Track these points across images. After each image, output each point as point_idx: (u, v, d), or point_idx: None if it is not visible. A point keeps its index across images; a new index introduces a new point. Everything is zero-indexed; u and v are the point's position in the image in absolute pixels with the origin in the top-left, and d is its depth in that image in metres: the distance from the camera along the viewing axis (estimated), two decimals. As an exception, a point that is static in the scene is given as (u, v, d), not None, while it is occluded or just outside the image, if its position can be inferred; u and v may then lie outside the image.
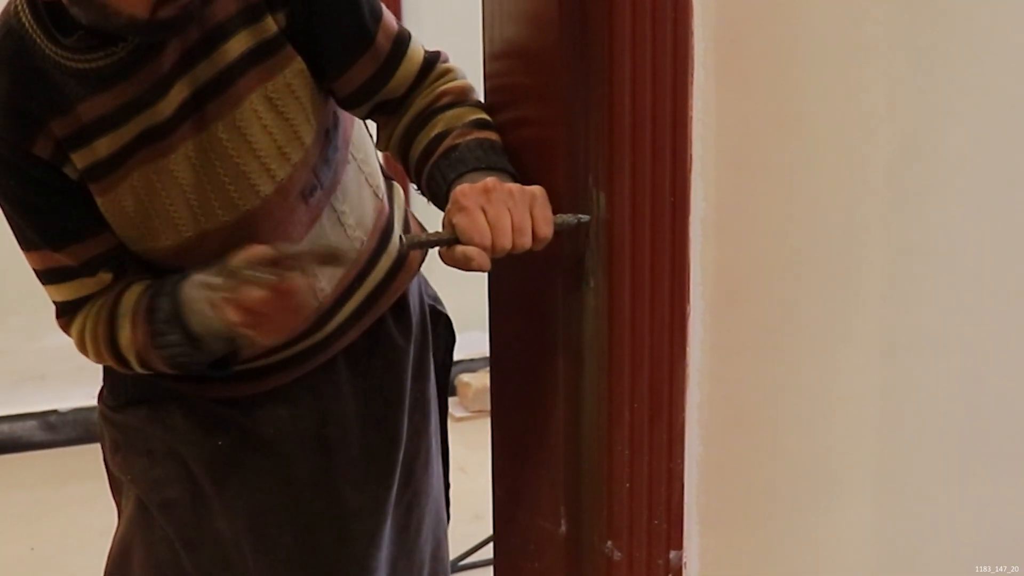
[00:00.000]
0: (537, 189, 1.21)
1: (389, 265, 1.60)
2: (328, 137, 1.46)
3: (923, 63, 1.22)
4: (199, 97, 1.37)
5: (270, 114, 1.39)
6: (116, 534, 1.66)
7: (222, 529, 1.58)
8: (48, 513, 3.37)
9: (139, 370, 1.46)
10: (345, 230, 1.52)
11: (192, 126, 1.38)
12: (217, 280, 1.32)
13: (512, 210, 1.19)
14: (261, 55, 1.38)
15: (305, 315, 1.43)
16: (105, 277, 1.45)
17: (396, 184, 1.69)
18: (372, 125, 1.61)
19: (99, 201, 1.41)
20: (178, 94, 1.37)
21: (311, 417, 1.60)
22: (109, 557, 1.65)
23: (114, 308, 1.44)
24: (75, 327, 1.49)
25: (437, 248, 1.22)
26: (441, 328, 1.78)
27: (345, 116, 1.52)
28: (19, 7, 1.37)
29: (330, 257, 1.42)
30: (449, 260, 1.20)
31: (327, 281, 1.52)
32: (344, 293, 1.55)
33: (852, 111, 1.22)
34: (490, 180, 1.21)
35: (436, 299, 1.79)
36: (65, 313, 1.49)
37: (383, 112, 1.47)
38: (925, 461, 1.33)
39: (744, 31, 1.19)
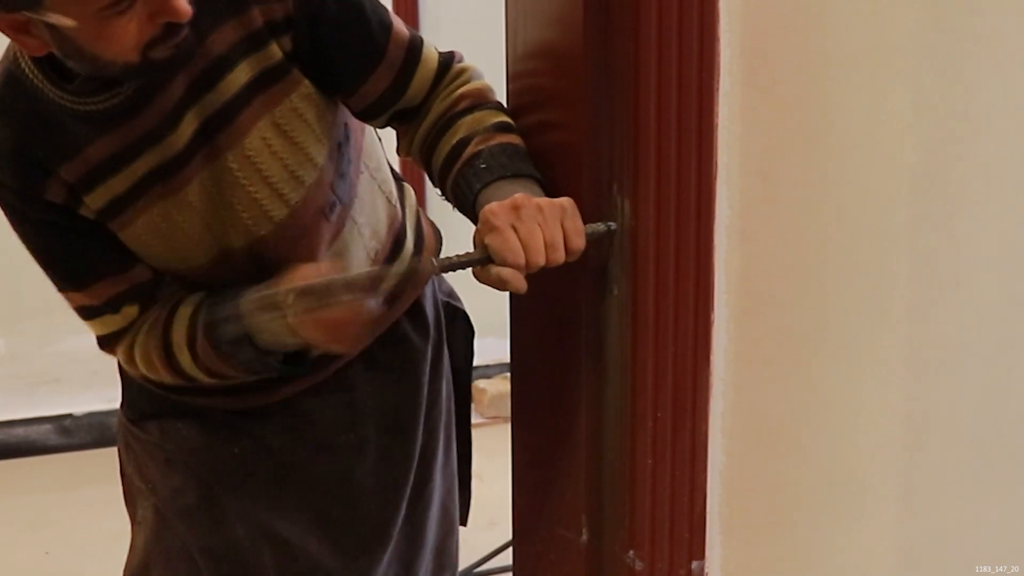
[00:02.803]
0: (566, 201, 1.20)
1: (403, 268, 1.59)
2: (341, 151, 1.45)
3: (950, 71, 1.21)
4: (208, 127, 1.36)
5: (279, 140, 1.38)
6: (134, 544, 1.65)
7: (241, 537, 1.58)
8: (63, 517, 3.37)
9: (208, 381, 1.47)
10: (363, 240, 1.52)
11: (204, 157, 1.37)
12: (291, 303, 1.31)
13: (543, 226, 1.18)
14: (265, 83, 1.36)
15: (371, 325, 1.43)
16: (131, 311, 1.45)
17: (408, 186, 1.68)
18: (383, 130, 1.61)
19: (121, 236, 1.41)
20: (188, 125, 1.36)
21: (327, 424, 1.60)
22: (127, 567, 1.65)
23: (166, 336, 1.44)
24: (120, 354, 1.50)
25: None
26: (459, 324, 1.77)
27: (355, 127, 1.51)
28: (18, 53, 1.34)
29: (411, 279, 1.41)
30: (484, 280, 1.20)
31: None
32: None
33: (878, 119, 1.21)
34: (519, 196, 1.20)
35: (451, 295, 1.77)
36: (105, 344, 1.50)
37: (402, 120, 1.46)
38: (950, 471, 1.31)
39: (770, 39, 1.18)
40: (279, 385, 1.56)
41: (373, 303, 1.28)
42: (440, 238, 1.71)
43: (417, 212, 1.67)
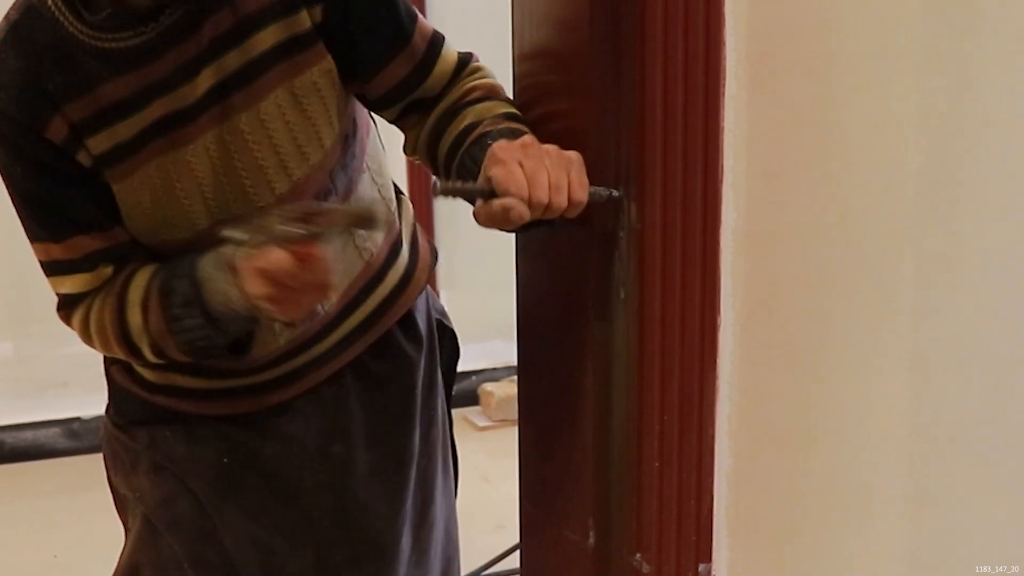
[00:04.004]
0: (574, 154, 1.20)
1: (397, 280, 1.58)
2: (347, 143, 1.45)
3: (955, 72, 1.21)
4: (225, 86, 1.36)
5: (294, 111, 1.38)
6: (123, 552, 1.63)
7: (229, 548, 1.56)
8: (71, 520, 3.37)
9: (151, 358, 1.43)
10: (355, 240, 1.50)
11: (215, 115, 1.37)
12: (242, 235, 1.28)
13: (549, 169, 1.17)
14: (291, 49, 1.36)
15: (326, 294, 1.38)
16: (105, 271, 1.42)
17: (407, 200, 1.67)
18: (385, 139, 1.61)
19: (116, 188, 1.39)
20: (205, 80, 1.35)
21: (317, 434, 1.57)
22: (114, 573, 1.63)
23: (122, 295, 1.41)
24: (76, 318, 1.45)
25: (473, 200, 1.19)
26: (447, 342, 1.76)
27: (362, 125, 1.51)
28: None
29: (365, 218, 1.33)
30: (485, 215, 1.18)
31: (336, 284, 1.47)
32: (349, 305, 1.53)
33: (883, 121, 1.21)
34: (527, 137, 1.19)
35: (443, 313, 1.77)
36: (65, 306, 1.46)
37: (416, 111, 1.45)
38: (958, 473, 1.31)
39: (776, 42, 1.18)
40: (268, 391, 1.54)
41: (326, 250, 1.25)
42: (436, 256, 1.70)
43: (414, 227, 1.66)
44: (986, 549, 1.34)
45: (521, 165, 1.17)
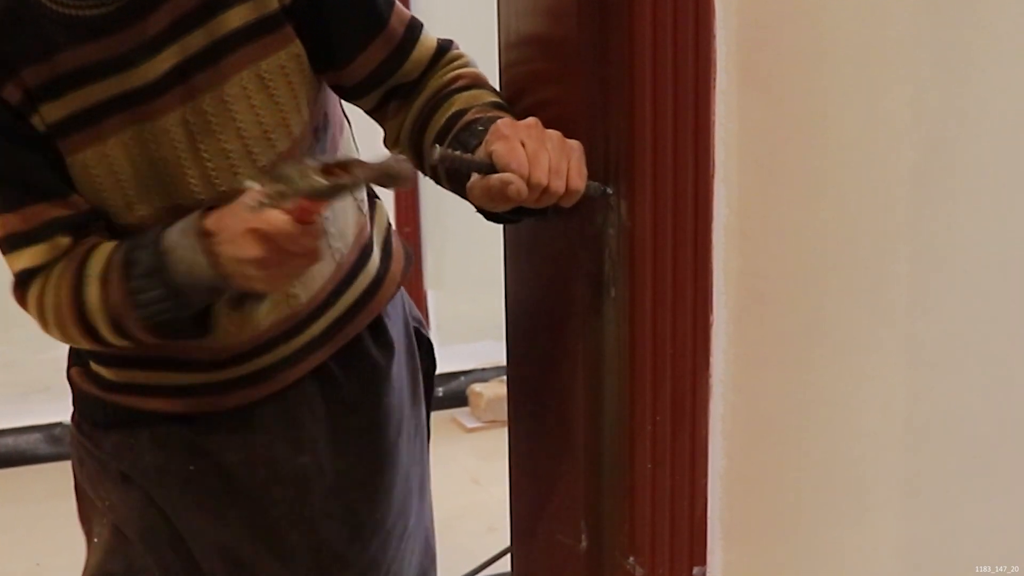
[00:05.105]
0: (575, 143, 1.20)
1: (367, 284, 1.56)
2: (317, 137, 1.44)
3: (949, 65, 1.19)
4: (189, 65, 1.34)
5: (260, 95, 1.36)
6: (90, 562, 1.60)
7: (198, 558, 1.54)
8: (54, 527, 3.33)
9: (109, 338, 1.38)
10: (327, 239, 1.47)
11: (179, 95, 1.35)
12: (269, 187, 1.20)
13: (551, 152, 1.16)
14: (259, 31, 1.35)
15: (315, 260, 1.31)
16: (63, 241, 1.37)
17: (380, 204, 1.65)
18: (360, 141, 1.59)
19: (70, 161, 1.36)
20: (164, 61, 1.33)
21: (283, 443, 1.54)
22: None
23: (80, 269, 1.36)
24: (32, 296, 1.39)
25: (468, 175, 1.18)
26: (423, 353, 1.73)
27: (335, 122, 1.49)
28: None
29: (391, 174, 1.21)
30: (480, 189, 1.17)
31: (302, 288, 1.47)
32: (319, 307, 1.51)
33: (877, 115, 1.19)
34: (531, 119, 1.19)
35: (420, 322, 1.75)
36: (20, 284, 1.40)
37: (395, 97, 1.44)
38: (954, 472, 1.30)
39: (767, 34, 1.16)
40: (230, 390, 1.51)
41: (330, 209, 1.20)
42: (411, 260, 1.68)
43: (387, 230, 1.64)
44: (986, 549, 1.33)
45: (523, 144, 1.16)
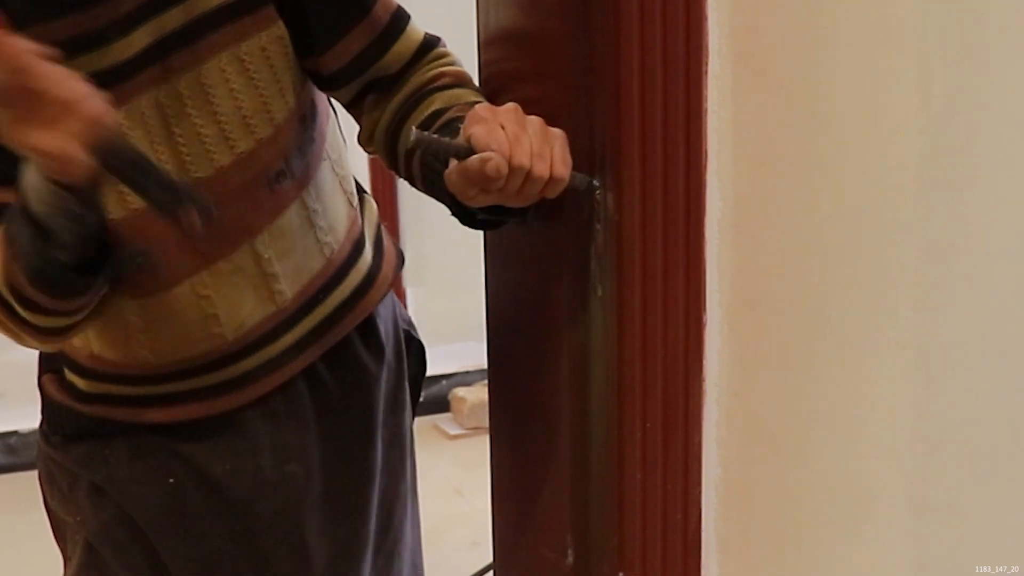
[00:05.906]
0: (558, 131, 1.17)
1: (359, 281, 1.52)
2: (303, 125, 1.41)
3: (958, 49, 1.18)
4: (164, 46, 1.31)
5: (240, 78, 1.34)
6: None
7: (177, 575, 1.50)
8: (10, 542, 3.28)
9: (20, 311, 1.32)
10: (316, 232, 1.45)
11: (153, 77, 1.32)
12: None
13: (532, 137, 1.14)
14: (239, 11, 1.32)
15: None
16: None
17: (370, 199, 1.63)
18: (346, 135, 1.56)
19: None
20: (140, 39, 1.30)
21: (272, 450, 1.50)
22: None
23: None
24: None
25: (449, 159, 1.15)
26: (412, 357, 1.70)
27: (321, 111, 1.46)
28: None
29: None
30: (459, 173, 1.14)
31: (288, 283, 1.44)
32: (307, 303, 1.47)
33: (881, 102, 1.18)
34: (511, 104, 1.17)
35: (411, 324, 1.72)
36: None
37: (373, 91, 1.41)
38: (965, 479, 1.29)
39: (762, 16, 1.15)
40: (215, 396, 1.46)
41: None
42: (403, 259, 1.66)
43: (378, 227, 1.62)
44: (997, 559, 1.32)
45: (503, 128, 1.13)
